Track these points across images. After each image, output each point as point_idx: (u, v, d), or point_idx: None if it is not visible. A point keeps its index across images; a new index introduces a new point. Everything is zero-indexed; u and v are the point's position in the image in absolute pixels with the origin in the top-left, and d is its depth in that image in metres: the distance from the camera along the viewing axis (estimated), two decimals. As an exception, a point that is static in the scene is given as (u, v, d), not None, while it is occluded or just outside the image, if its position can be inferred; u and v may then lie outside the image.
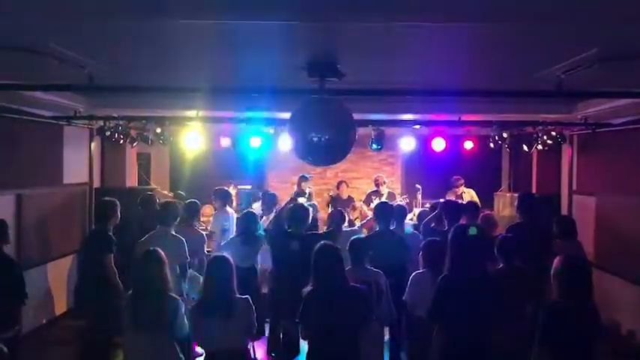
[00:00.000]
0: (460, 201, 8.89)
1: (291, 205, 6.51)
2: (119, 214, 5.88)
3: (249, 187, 10.01)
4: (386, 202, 6.68)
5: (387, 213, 6.10)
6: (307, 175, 9.61)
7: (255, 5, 2.96)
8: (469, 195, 9.39)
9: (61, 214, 7.59)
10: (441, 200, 7.46)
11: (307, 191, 9.42)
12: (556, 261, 3.79)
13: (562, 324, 3.64)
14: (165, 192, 10.06)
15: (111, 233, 5.76)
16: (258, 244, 6.30)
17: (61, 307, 7.64)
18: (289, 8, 3.00)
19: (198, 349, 4.94)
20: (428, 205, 8.20)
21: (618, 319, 6.88)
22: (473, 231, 4.12)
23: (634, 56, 3.89)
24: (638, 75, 4.70)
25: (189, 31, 3.57)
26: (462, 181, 9.53)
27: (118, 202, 5.95)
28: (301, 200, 9.30)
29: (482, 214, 6.76)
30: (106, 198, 6.08)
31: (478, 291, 3.96)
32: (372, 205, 8.95)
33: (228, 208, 7.49)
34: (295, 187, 9.65)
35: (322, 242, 4.25)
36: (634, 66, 4.19)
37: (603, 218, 7.67)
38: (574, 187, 8.64)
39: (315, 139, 4.26)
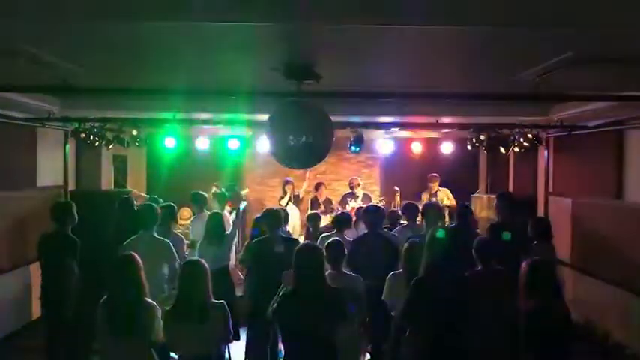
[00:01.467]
0: (434, 200, 9.01)
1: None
2: (76, 215, 5.80)
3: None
4: (378, 207, 6.71)
5: (380, 217, 6.19)
6: (289, 179, 9.90)
7: (229, 7, 2.94)
8: (444, 194, 9.47)
9: (35, 218, 7.45)
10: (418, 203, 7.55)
11: (288, 194, 9.67)
12: (523, 264, 3.87)
13: (537, 325, 3.69)
14: (143, 194, 9.95)
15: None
16: (227, 244, 6.29)
17: (36, 312, 7.50)
18: (265, 10, 2.98)
19: (173, 354, 4.89)
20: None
21: (594, 319, 6.97)
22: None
23: (608, 60, 3.95)
24: (611, 78, 4.77)
25: (164, 32, 3.53)
26: (438, 179, 9.59)
27: (74, 204, 5.88)
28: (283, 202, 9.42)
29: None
30: (61, 200, 5.96)
31: (454, 293, 3.98)
32: (348, 208, 9.00)
33: (206, 212, 7.37)
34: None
35: (304, 242, 4.23)
36: (608, 69, 4.26)
37: (579, 219, 7.77)
38: (550, 189, 8.74)
39: (293, 141, 4.24)
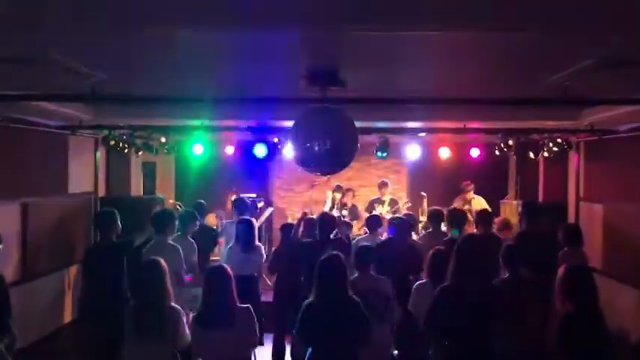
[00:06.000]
0: (468, 207, 8.85)
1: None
2: (119, 223, 5.87)
3: (254, 195, 10.09)
4: (402, 218, 6.70)
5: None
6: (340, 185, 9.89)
7: (258, 17, 2.96)
8: (478, 202, 9.25)
9: (66, 224, 7.60)
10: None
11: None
12: (560, 270, 3.79)
13: (571, 334, 3.62)
14: (171, 201, 10.09)
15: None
16: (258, 252, 6.31)
17: (66, 317, 7.65)
18: (293, 19, 3.00)
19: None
20: None
21: (626, 327, 6.80)
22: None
23: (638, 63, 3.87)
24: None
25: (192, 41, 3.57)
26: (472, 186, 9.40)
27: (117, 212, 5.94)
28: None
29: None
30: (105, 208, 5.99)
31: (480, 301, 3.93)
32: (375, 213, 8.92)
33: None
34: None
35: (328, 253, 4.23)
36: (638, 73, 4.17)
37: (611, 226, 7.60)
38: (581, 195, 8.56)
39: (317, 147, 4.25)
